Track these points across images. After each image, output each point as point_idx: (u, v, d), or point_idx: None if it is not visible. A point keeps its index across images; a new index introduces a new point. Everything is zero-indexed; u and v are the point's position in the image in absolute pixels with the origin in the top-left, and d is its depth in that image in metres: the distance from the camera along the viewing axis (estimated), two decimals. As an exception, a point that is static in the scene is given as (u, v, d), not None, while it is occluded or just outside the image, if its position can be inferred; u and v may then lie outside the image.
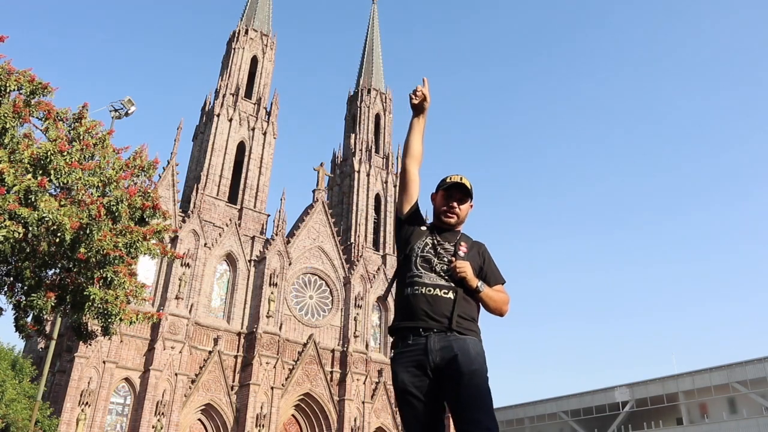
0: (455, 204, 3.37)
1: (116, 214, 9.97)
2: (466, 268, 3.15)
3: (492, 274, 3.34)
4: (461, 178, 3.36)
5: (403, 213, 3.47)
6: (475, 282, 3.17)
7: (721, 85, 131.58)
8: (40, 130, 10.45)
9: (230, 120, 42.06)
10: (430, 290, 3.14)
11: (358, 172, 48.11)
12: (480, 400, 2.89)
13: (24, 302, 10.54)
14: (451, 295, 3.13)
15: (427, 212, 3.69)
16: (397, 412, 37.20)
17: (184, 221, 35.83)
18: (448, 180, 3.40)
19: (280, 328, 36.84)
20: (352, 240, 44.66)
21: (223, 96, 42.52)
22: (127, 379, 31.89)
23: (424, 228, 3.40)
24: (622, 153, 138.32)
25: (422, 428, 3.01)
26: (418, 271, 3.22)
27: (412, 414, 3.02)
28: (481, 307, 3.26)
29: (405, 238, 3.39)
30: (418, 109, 3.51)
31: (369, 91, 53.16)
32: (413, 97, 3.49)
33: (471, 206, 3.46)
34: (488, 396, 2.94)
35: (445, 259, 3.23)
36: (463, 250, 3.28)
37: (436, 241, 3.30)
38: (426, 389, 3.00)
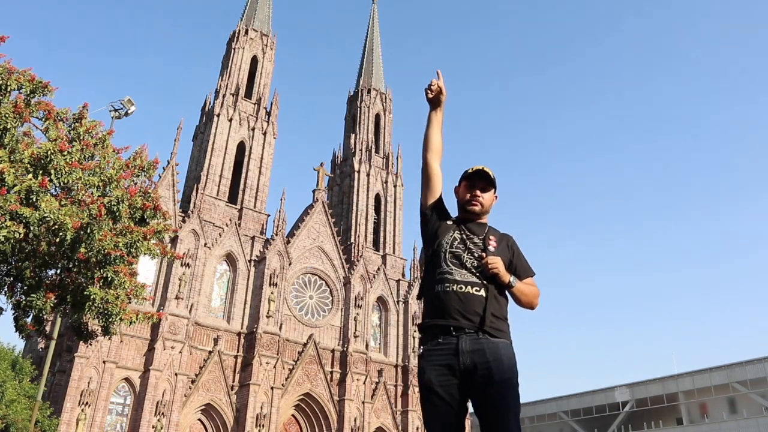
0: (478, 192, 3.31)
1: (116, 214, 9.97)
2: (498, 264, 3.08)
3: (522, 267, 3.27)
4: (483, 168, 3.32)
5: (427, 207, 3.41)
6: (507, 277, 3.10)
7: (728, 94, 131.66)
8: (40, 130, 10.45)
9: (230, 120, 42.06)
10: (461, 287, 3.08)
11: (358, 172, 48.10)
12: (510, 411, 2.87)
13: (24, 302, 10.53)
14: (483, 292, 3.07)
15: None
16: (398, 412, 37.14)
17: (184, 221, 35.81)
18: (470, 170, 3.36)
19: (280, 328, 36.83)
20: (352, 240, 44.65)
21: (223, 96, 42.52)
22: (127, 379, 31.88)
23: (450, 222, 3.34)
24: (624, 163, 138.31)
25: (443, 428, 2.96)
26: (448, 267, 3.15)
27: (434, 413, 2.98)
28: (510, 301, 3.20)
29: (431, 232, 3.33)
30: (434, 103, 3.48)
31: (369, 91, 53.15)
32: (428, 91, 3.46)
33: (496, 197, 3.40)
34: (518, 405, 2.92)
35: (475, 255, 3.16)
36: (492, 244, 3.21)
37: (465, 235, 3.24)
38: (452, 390, 2.95)
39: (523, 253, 3.36)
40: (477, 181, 3.33)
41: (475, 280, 3.09)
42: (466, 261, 3.14)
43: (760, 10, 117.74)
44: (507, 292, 3.16)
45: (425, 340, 3.13)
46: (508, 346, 3.03)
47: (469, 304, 3.03)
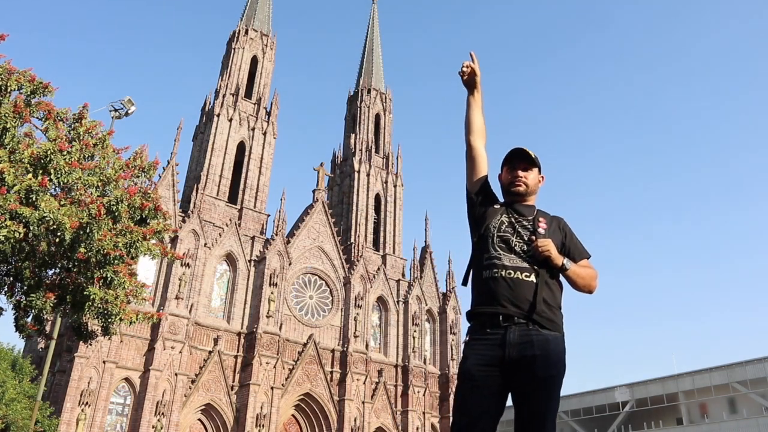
0: (520, 173, 3.21)
1: (116, 214, 9.97)
2: (549, 246, 2.93)
3: (576, 249, 3.14)
4: (522, 148, 3.24)
5: (472, 189, 3.30)
6: (560, 260, 2.95)
7: (729, 92, 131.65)
8: (40, 130, 10.44)
9: (230, 120, 42.08)
10: (510, 273, 2.94)
11: (358, 172, 48.11)
12: (549, 410, 2.78)
13: (24, 302, 10.52)
14: (533, 278, 2.93)
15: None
16: (398, 412, 37.01)
17: (184, 221, 35.82)
18: (508, 153, 3.29)
19: (280, 328, 36.83)
20: (352, 240, 44.66)
21: (223, 96, 42.53)
22: (127, 379, 31.88)
23: (497, 206, 3.22)
24: (624, 162, 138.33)
25: (470, 423, 2.83)
26: (496, 252, 3.01)
27: (467, 400, 2.86)
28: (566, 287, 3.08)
29: (478, 216, 3.22)
30: (470, 85, 3.44)
31: (369, 91, 53.17)
32: (462, 74, 3.43)
33: (542, 178, 3.29)
34: (557, 404, 2.82)
35: (525, 238, 3.03)
36: (542, 226, 3.08)
37: (513, 218, 3.12)
38: (490, 382, 2.83)
39: (576, 234, 3.22)
40: (517, 162, 3.23)
41: (525, 265, 2.96)
42: (515, 245, 3.02)
43: (758, 4, 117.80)
44: (562, 277, 3.03)
45: (473, 329, 3.02)
46: (558, 340, 2.89)
47: (519, 291, 2.90)
